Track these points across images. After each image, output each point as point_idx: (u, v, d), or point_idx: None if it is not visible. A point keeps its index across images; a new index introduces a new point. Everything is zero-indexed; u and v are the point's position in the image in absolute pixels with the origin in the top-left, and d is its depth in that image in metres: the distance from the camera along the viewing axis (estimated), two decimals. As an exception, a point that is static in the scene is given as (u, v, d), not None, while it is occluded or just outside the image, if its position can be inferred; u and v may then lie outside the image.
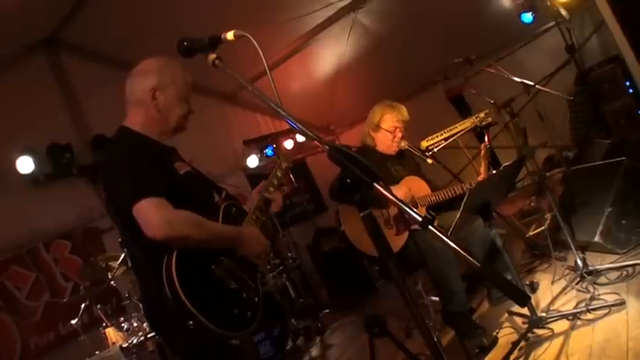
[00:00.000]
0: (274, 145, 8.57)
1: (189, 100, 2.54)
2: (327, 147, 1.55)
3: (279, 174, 2.91)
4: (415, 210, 1.40)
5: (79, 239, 6.06)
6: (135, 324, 4.80)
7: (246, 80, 1.89)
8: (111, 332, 4.90)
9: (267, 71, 1.88)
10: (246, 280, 2.39)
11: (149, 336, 4.61)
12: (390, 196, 1.44)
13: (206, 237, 2.26)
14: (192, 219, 2.23)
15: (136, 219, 2.16)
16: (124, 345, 4.63)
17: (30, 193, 5.85)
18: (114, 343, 4.79)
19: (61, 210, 6.01)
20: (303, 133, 1.66)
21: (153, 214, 2.14)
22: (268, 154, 8.47)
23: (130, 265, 4.75)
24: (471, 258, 1.30)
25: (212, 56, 1.97)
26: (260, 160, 8.29)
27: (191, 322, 2.12)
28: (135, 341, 4.63)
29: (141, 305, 4.58)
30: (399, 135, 4.27)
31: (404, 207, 1.41)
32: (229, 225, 2.49)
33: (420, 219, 1.37)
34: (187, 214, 2.22)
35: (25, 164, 5.72)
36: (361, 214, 1.57)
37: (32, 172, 5.78)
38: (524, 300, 1.28)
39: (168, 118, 2.47)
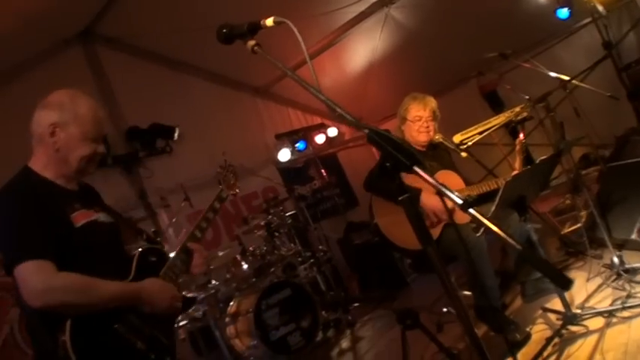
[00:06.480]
0: (305, 137, 8.69)
1: (99, 140, 2.29)
2: (366, 130, 1.55)
3: (217, 205, 2.76)
4: (455, 193, 1.38)
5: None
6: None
7: (285, 66, 1.89)
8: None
9: (306, 56, 1.88)
10: (157, 338, 2.20)
11: (181, 324, 4.67)
12: (430, 179, 1.43)
13: (94, 302, 2.02)
14: (76, 285, 2.01)
15: (17, 282, 1.98)
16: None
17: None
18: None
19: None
20: (342, 118, 1.66)
21: (30, 281, 1.95)
22: (300, 148, 8.55)
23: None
24: (511, 240, 1.29)
25: (251, 42, 1.95)
26: (292, 154, 8.33)
27: None
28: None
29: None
30: (427, 126, 4.18)
31: (443, 190, 1.40)
32: (144, 276, 2.28)
33: (460, 201, 1.36)
34: (71, 280, 2.01)
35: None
36: (399, 198, 1.55)
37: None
38: (566, 283, 1.25)
39: (68, 158, 2.22)
